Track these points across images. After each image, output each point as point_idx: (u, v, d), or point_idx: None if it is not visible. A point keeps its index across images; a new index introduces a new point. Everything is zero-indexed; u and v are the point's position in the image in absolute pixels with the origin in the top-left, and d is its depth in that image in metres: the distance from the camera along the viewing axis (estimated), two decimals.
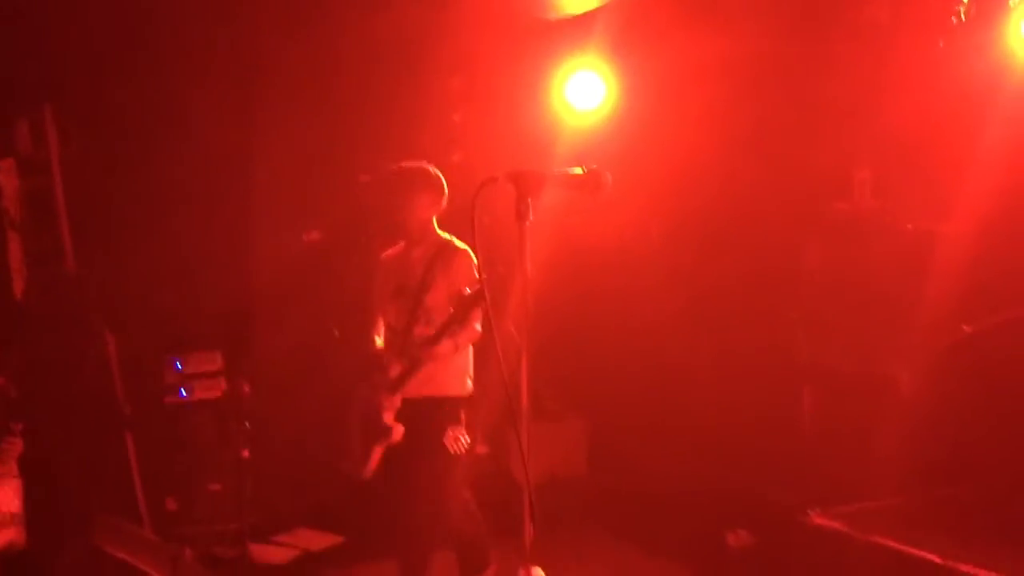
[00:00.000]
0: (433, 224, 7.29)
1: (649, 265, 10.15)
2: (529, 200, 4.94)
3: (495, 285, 5.87)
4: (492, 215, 5.30)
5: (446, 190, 7.28)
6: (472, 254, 7.11)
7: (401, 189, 7.22)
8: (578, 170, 5.01)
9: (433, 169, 7.32)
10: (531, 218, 4.93)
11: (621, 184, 5.12)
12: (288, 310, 9.44)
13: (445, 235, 7.29)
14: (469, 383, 7.21)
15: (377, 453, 6.93)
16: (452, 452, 6.92)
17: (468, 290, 6.65)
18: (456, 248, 7.21)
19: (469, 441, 7.00)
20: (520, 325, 5.05)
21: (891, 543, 6.89)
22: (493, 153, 9.18)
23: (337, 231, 9.15)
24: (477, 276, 6.81)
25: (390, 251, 7.45)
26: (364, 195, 9.31)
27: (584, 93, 9.36)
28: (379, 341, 7.29)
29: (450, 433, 6.95)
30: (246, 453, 7.81)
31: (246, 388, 7.87)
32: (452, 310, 6.78)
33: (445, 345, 6.95)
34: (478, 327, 7.00)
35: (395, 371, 7.07)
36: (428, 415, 7.03)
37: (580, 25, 9.24)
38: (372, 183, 8.84)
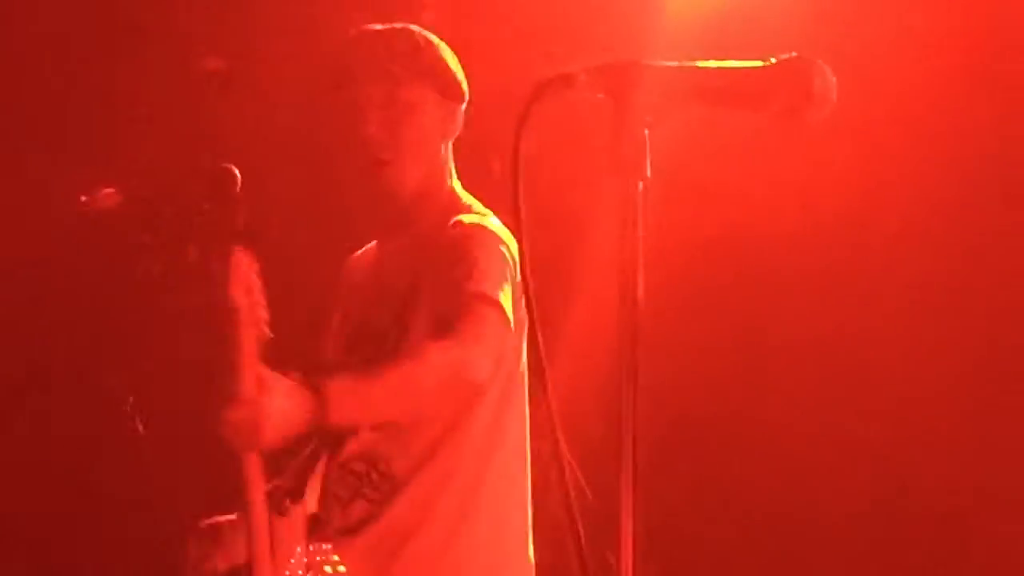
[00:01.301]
0: (448, 174, 3.90)
1: (884, 260, 6.60)
2: (646, 131, 2.29)
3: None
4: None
5: (466, 91, 3.89)
6: (509, 248, 3.67)
7: (374, 70, 3.75)
8: (755, 63, 2.34)
9: (433, 39, 3.84)
10: (648, 172, 2.29)
11: (847, 105, 2.49)
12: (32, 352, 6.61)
13: (470, 203, 3.87)
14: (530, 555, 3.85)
15: None
16: None
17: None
18: (453, 225, 3.74)
19: None
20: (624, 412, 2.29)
21: None
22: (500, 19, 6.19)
23: (155, 191, 5.62)
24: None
25: (362, 251, 4.12)
26: (218, 99, 6.23)
27: None
28: None
29: None
30: None
31: None
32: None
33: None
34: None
35: (335, 514, 3.86)
36: None
37: None
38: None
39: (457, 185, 3.88)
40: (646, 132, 2.30)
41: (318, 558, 6.77)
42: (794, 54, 2.32)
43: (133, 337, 6.62)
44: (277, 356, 3.74)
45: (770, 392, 6.77)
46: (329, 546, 6.72)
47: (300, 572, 6.70)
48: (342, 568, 6.73)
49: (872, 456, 6.70)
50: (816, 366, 6.71)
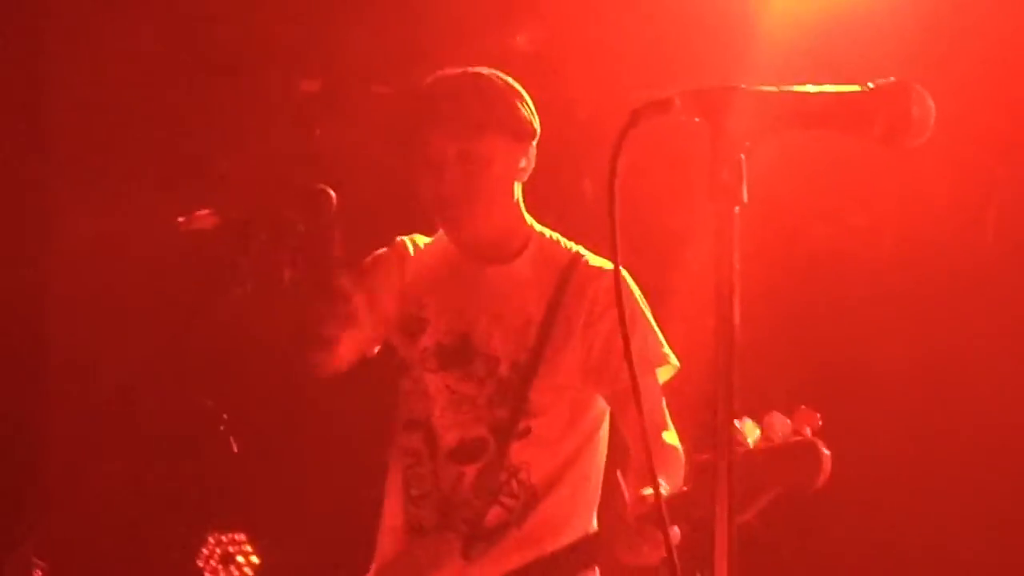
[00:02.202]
0: (522, 211, 3.89)
1: (977, 286, 6.50)
2: (742, 156, 2.29)
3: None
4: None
5: (537, 127, 3.83)
6: (630, 279, 3.72)
7: (447, 126, 3.72)
8: (853, 88, 2.33)
9: (503, 80, 3.80)
10: (744, 197, 2.29)
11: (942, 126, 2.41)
12: (125, 365, 6.60)
13: (551, 235, 3.91)
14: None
15: None
16: None
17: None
18: (591, 268, 3.80)
19: None
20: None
21: None
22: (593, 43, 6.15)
23: (250, 212, 5.57)
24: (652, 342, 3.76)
25: (428, 245, 4.06)
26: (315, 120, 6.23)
27: None
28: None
29: None
30: None
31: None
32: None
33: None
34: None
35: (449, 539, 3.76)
36: None
37: None
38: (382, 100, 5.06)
39: (528, 217, 3.93)
40: (743, 157, 2.28)
41: (231, 548, 6.81)
42: (892, 79, 2.30)
43: (228, 357, 6.63)
44: None
45: (865, 416, 6.66)
46: (242, 536, 6.74)
47: (212, 563, 6.74)
48: (255, 559, 6.74)
49: (972, 481, 6.57)
50: (913, 390, 6.60)
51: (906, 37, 6.00)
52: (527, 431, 3.72)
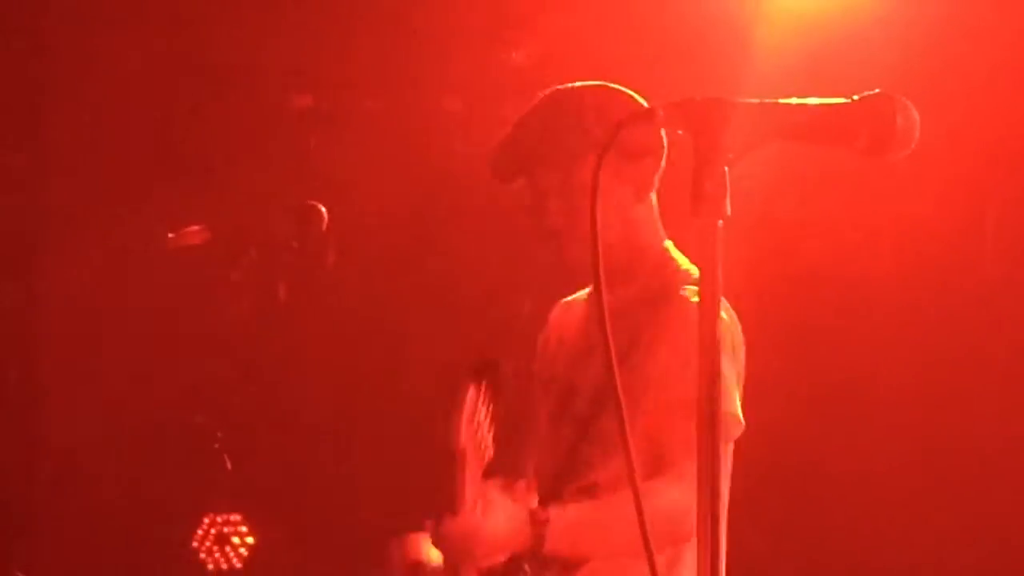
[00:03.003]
0: (642, 232, 3.65)
1: (975, 303, 6.38)
2: (725, 168, 2.24)
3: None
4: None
5: (665, 146, 3.62)
6: (730, 323, 3.51)
7: (537, 177, 3.57)
8: (838, 100, 2.30)
9: (609, 93, 3.60)
10: (728, 210, 2.24)
11: (929, 136, 2.37)
12: (118, 390, 6.59)
13: (675, 256, 3.65)
14: None
15: None
16: None
17: None
18: (673, 294, 3.53)
19: None
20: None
21: None
22: (589, 56, 5.97)
23: (242, 228, 5.51)
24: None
25: (572, 298, 3.88)
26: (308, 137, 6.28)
27: None
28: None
29: None
30: None
31: None
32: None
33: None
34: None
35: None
36: None
37: None
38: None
39: (666, 241, 3.67)
40: (726, 169, 2.25)
41: (225, 529, 6.77)
42: (877, 91, 2.28)
43: (223, 374, 6.61)
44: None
45: (858, 435, 6.60)
46: (238, 516, 6.68)
47: (208, 543, 6.70)
48: (250, 539, 6.69)
49: (965, 500, 6.50)
50: (907, 408, 6.52)
51: (902, 50, 5.95)
52: (593, 487, 3.50)
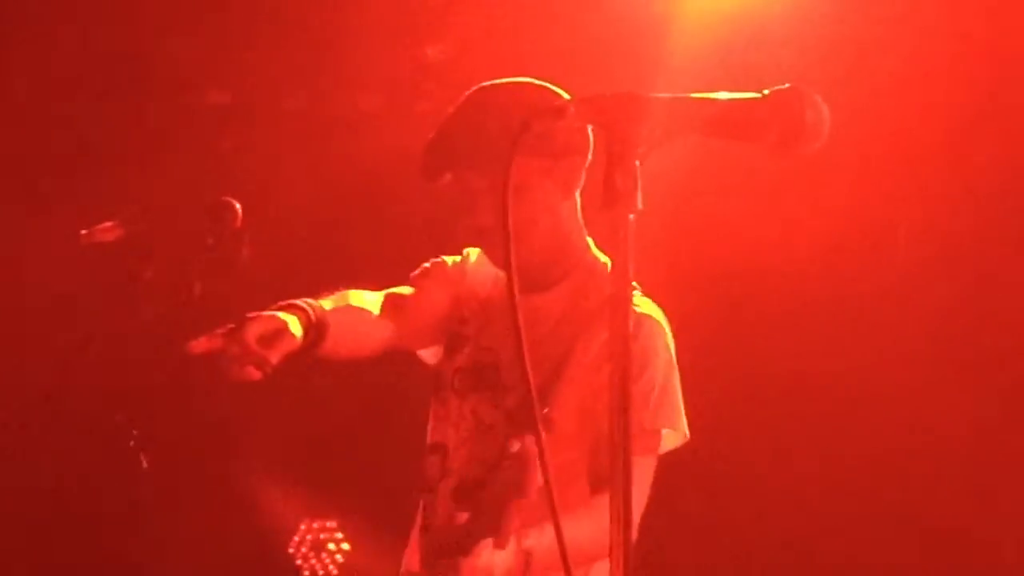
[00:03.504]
0: (572, 234, 3.65)
1: (891, 295, 6.45)
2: (636, 162, 2.25)
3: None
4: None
5: (591, 143, 3.53)
6: (663, 324, 3.55)
7: (466, 177, 3.55)
8: (748, 95, 2.31)
9: (540, 91, 3.56)
10: (639, 203, 2.25)
11: (838, 132, 2.38)
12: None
13: (605, 261, 3.60)
14: None
15: None
16: None
17: None
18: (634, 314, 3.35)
19: None
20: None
21: None
22: (505, 53, 6.03)
23: (155, 225, 5.40)
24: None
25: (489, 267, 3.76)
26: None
27: None
28: None
29: None
30: None
31: None
32: None
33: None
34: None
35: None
36: None
37: None
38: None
39: (588, 238, 3.66)
40: (638, 163, 2.25)
41: (322, 535, 6.73)
42: (787, 85, 2.29)
43: (138, 371, 6.54)
44: None
45: (769, 429, 6.61)
46: (334, 523, 6.62)
47: (304, 549, 6.66)
48: (345, 546, 6.64)
49: (878, 495, 6.53)
50: (815, 402, 6.56)
51: (817, 46, 5.98)
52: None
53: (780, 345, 6.55)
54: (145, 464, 6.35)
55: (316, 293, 3.69)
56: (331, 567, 6.76)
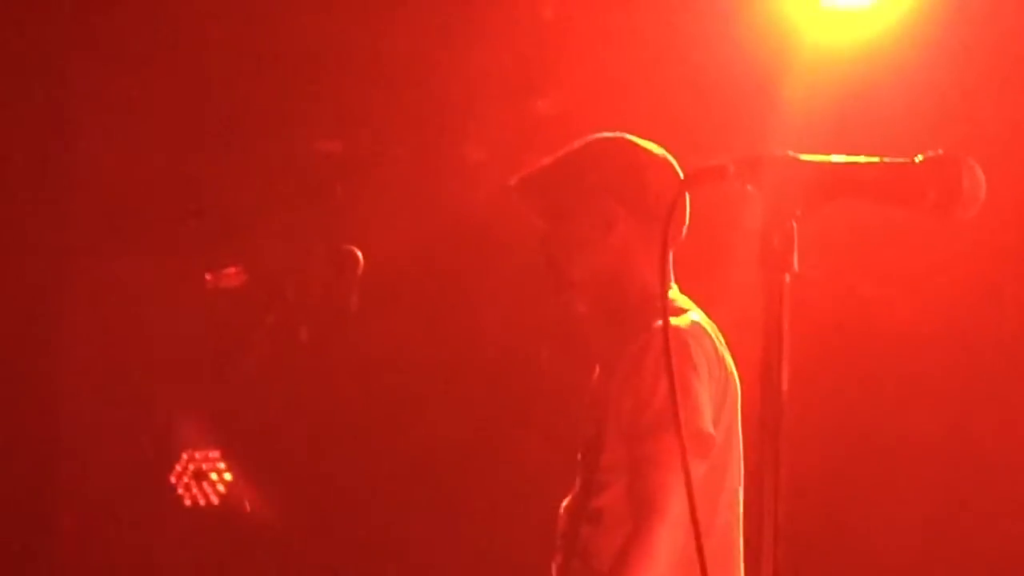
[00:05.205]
0: (647, 284, 3.54)
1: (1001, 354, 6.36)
2: (794, 224, 2.26)
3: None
4: None
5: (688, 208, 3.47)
6: (696, 346, 3.41)
7: (575, 198, 3.60)
8: (903, 160, 2.30)
9: (617, 145, 3.62)
10: (795, 265, 2.27)
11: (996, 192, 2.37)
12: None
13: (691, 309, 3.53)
14: None
15: None
16: None
17: None
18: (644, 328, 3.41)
19: None
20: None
21: None
22: (613, 108, 5.97)
23: (279, 271, 5.44)
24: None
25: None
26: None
27: None
28: None
29: None
30: None
31: None
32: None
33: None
34: None
35: None
36: None
37: None
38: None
39: (674, 290, 3.57)
40: (794, 225, 2.28)
41: (204, 465, 6.74)
42: (941, 151, 2.30)
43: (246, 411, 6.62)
44: None
45: (905, 489, 6.49)
46: (216, 453, 6.65)
47: (186, 479, 6.68)
48: (228, 475, 6.66)
49: (998, 553, 6.40)
50: (949, 462, 6.43)
51: (924, 111, 5.89)
52: (597, 514, 3.47)
53: (887, 405, 6.45)
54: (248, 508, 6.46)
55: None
56: (212, 496, 6.74)
